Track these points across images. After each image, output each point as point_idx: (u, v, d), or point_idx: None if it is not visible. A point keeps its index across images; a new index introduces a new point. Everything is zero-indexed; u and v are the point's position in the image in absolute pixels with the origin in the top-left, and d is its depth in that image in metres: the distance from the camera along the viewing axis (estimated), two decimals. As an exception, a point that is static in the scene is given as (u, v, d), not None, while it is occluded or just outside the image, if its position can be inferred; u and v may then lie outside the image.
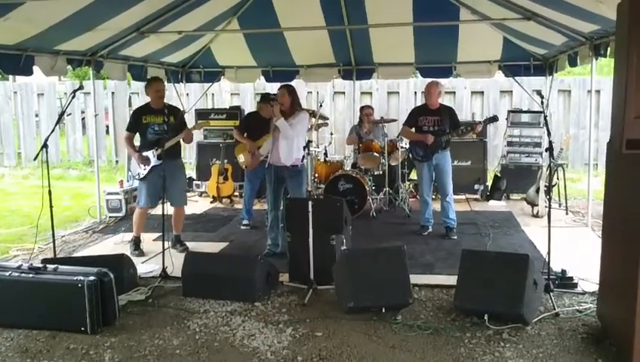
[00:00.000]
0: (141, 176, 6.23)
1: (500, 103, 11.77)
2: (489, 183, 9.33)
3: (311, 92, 12.25)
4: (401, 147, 8.26)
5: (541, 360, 3.80)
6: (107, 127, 13.71)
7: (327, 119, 9.17)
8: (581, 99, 11.79)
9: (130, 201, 8.27)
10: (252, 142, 7.17)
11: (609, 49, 5.92)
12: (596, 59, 6.61)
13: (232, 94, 12.93)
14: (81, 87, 5.78)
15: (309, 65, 9.35)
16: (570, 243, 6.40)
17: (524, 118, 9.36)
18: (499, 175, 9.27)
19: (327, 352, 3.93)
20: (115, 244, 6.79)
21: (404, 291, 4.51)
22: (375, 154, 8.03)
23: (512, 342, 4.02)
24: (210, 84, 10.30)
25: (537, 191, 7.86)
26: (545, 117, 5.42)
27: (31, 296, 4.33)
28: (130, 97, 13.60)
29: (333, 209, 5.35)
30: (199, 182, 9.80)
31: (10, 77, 16.42)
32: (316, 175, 8.21)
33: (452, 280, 4.75)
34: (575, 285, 5.00)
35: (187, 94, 10.64)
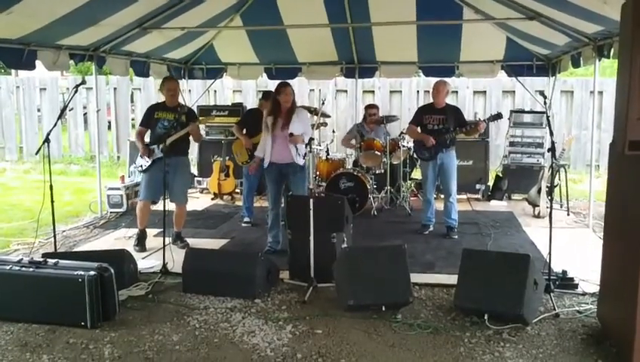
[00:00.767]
0: (143, 167, 6.26)
1: (503, 103, 11.75)
2: (490, 183, 9.32)
3: (313, 90, 12.25)
4: (403, 146, 8.25)
5: (541, 360, 3.79)
6: (109, 122, 13.70)
7: (329, 117, 9.16)
8: (584, 100, 11.77)
9: (131, 197, 8.28)
10: (248, 138, 7.21)
11: (612, 50, 5.91)
12: (599, 60, 6.61)
13: (234, 91, 12.92)
14: (83, 82, 5.80)
15: (312, 62, 9.34)
16: (571, 244, 6.41)
17: (527, 118, 9.33)
18: (500, 175, 9.27)
19: (326, 350, 3.93)
20: (116, 240, 6.80)
21: (404, 290, 4.51)
22: (377, 152, 8.02)
23: (511, 342, 4.02)
24: (213, 80, 10.29)
25: (539, 191, 7.85)
26: (547, 117, 5.42)
27: (31, 290, 4.33)
28: (132, 93, 13.60)
29: (334, 207, 5.34)
30: (200, 179, 9.81)
31: (13, 71, 16.47)
32: (318, 173, 8.21)
33: (452, 279, 4.75)
34: (576, 286, 4.99)
35: (189, 91, 10.65)
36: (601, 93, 11.14)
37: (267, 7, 7.54)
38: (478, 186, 9.14)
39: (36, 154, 5.38)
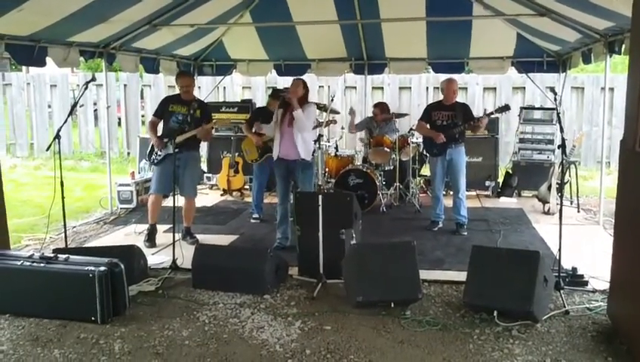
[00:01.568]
0: (156, 161, 6.29)
1: (513, 100, 11.68)
2: (500, 180, 9.29)
3: (322, 86, 12.24)
4: (412, 142, 8.24)
5: (550, 357, 3.78)
6: (119, 119, 13.75)
7: (338, 113, 9.15)
8: (594, 96, 11.70)
9: (141, 193, 8.31)
10: (258, 136, 7.22)
11: (624, 46, 5.87)
12: (610, 57, 6.57)
13: (243, 87, 12.94)
14: (93, 79, 5.82)
15: (321, 59, 9.34)
16: (581, 241, 6.38)
17: (537, 114, 9.28)
18: (510, 172, 9.24)
19: (335, 346, 3.94)
20: (126, 235, 6.84)
21: (413, 286, 4.51)
22: (386, 149, 8.01)
23: (521, 339, 4.01)
24: (222, 77, 10.33)
25: (549, 188, 7.82)
26: (557, 114, 5.40)
27: (42, 286, 4.37)
28: (142, 89, 13.64)
29: (343, 203, 5.34)
30: (210, 175, 9.84)
31: (24, 68, 16.55)
32: (327, 169, 8.21)
33: (462, 276, 4.74)
34: (586, 283, 4.97)
35: (199, 87, 10.67)
36: (612, 89, 11.08)
37: (276, 3, 7.55)
38: (487, 183, 9.11)
39: (47, 150, 5.41)
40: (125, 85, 13.45)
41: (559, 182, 7.11)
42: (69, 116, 5.92)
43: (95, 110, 13.98)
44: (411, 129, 8.23)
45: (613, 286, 4.22)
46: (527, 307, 4.11)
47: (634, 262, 3.72)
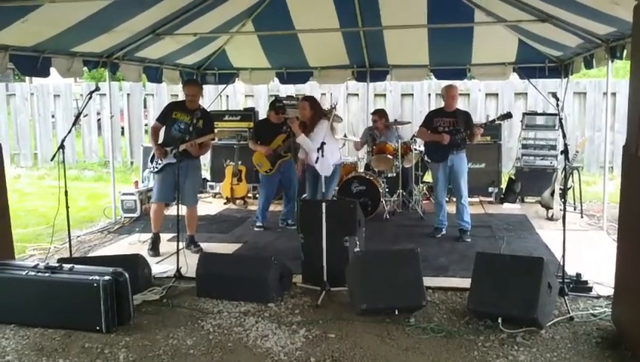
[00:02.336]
0: (155, 169, 6.29)
1: (515, 105, 11.70)
2: (503, 186, 9.29)
3: (325, 93, 12.26)
4: (415, 149, 8.24)
5: (555, 364, 3.78)
6: (122, 128, 13.80)
7: (341, 120, 9.16)
8: (597, 101, 11.71)
9: (144, 202, 8.33)
10: (266, 147, 7.23)
11: (625, 51, 5.88)
12: (612, 62, 6.58)
13: (246, 96, 12.98)
14: (97, 89, 5.84)
15: (323, 66, 9.36)
16: (585, 246, 6.37)
17: (539, 120, 9.30)
18: (513, 177, 9.23)
19: (339, 354, 3.94)
20: (130, 244, 6.84)
21: (417, 293, 4.51)
22: (389, 156, 8.02)
23: (525, 346, 4.00)
24: (225, 85, 10.35)
25: (552, 194, 7.81)
26: (560, 119, 5.40)
27: (47, 295, 4.38)
28: (145, 99, 13.69)
29: (346, 211, 5.35)
30: (213, 183, 9.86)
31: (27, 78, 16.64)
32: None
33: (466, 283, 4.74)
34: (590, 289, 4.96)
35: (202, 96, 10.67)
36: (614, 94, 11.08)
37: (278, 12, 7.58)
38: (490, 189, 9.11)
39: (52, 160, 5.44)
40: (128, 94, 13.50)
41: (562, 187, 7.11)
42: (73, 126, 5.94)
43: (98, 119, 14.02)
44: (414, 136, 8.23)
45: (617, 291, 4.21)
46: (531, 313, 4.11)
47: (638, 268, 3.71)
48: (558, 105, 5.24)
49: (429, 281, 4.97)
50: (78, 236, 7.22)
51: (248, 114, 9.93)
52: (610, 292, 4.52)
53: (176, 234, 5.58)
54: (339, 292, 4.97)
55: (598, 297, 4.84)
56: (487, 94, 12.06)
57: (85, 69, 7.28)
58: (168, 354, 3.98)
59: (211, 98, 11.05)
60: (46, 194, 10.09)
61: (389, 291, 4.50)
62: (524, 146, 9.25)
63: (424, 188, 8.89)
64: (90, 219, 8.35)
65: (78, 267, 4.49)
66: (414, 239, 6.83)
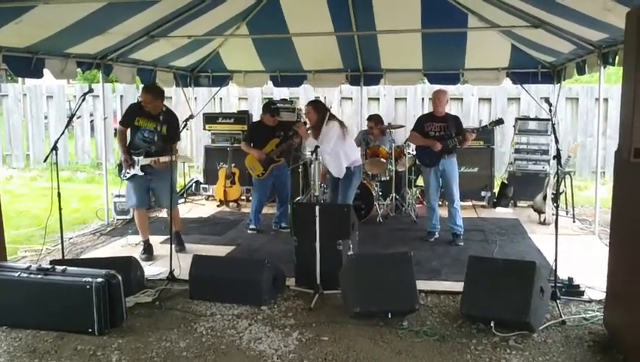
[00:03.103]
0: (125, 177, 6.20)
1: (508, 110, 11.75)
2: (496, 190, 9.32)
3: (318, 97, 12.24)
4: (408, 153, 8.26)
5: (547, 367, 3.80)
6: (115, 130, 13.70)
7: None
8: (589, 107, 11.76)
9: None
10: (259, 150, 7.23)
11: (617, 57, 5.92)
12: (604, 68, 6.61)
13: (240, 98, 12.96)
14: (90, 91, 5.84)
15: (317, 70, 9.38)
16: (577, 250, 6.40)
17: (532, 125, 9.34)
18: (506, 182, 9.26)
19: (333, 357, 3.94)
20: (123, 247, 6.83)
21: (410, 297, 4.51)
22: (382, 160, 8.03)
23: (518, 349, 4.02)
24: (219, 88, 10.33)
25: (544, 198, 7.85)
26: (552, 124, 5.42)
27: (39, 297, 4.36)
28: (138, 101, 13.62)
29: (340, 214, 5.36)
30: (206, 186, 9.84)
31: (20, 79, 16.55)
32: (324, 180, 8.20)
33: (458, 286, 4.75)
34: (582, 293, 4.99)
35: (195, 98, 10.69)
36: (606, 100, 11.15)
37: (273, 15, 7.59)
38: (483, 193, 9.14)
39: (44, 161, 5.42)
40: (122, 96, 13.44)
41: (555, 192, 7.14)
42: (66, 127, 5.91)
43: (91, 121, 13.96)
44: (407, 140, 8.25)
45: (609, 296, 4.24)
46: (524, 317, 4.13)
47: (630, 272, 3.74)
48: (550, 110, 5.28)
49: (422, 285, 4.98)
50: (71, 238, 7.19)
51: (242, 116, 9.92)
52: (602, 296, 4.55)
53: (169, 237, 5.56)
54: (332, 296, 4.97)
55: (590, 301, 4.86)
56: (480, 99, 12.08)
57: (79, 70, 7.26)
58: (161, 357, 3.97)
59: (205, 100, 11.04)
60: (38, 196, 10.04)
61: (382, 294, 4.50)
62: (517, 151, 9.29)
63: (417, 191, 8.91)
64: (82, 220, 8.31)
65: (70, 269, 4.46)
66: (407, 243, 6.85)
